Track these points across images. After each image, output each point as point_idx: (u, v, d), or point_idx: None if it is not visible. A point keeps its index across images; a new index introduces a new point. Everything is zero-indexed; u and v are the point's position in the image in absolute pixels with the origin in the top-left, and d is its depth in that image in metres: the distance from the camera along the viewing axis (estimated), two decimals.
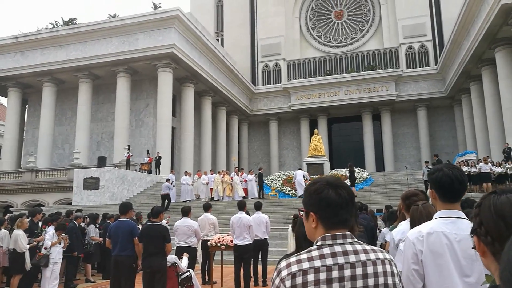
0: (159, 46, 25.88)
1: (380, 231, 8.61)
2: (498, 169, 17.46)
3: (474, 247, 1.18)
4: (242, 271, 8.27)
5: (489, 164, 17.66)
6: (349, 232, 1.51)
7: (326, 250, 1.44)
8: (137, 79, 28.53)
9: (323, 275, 1.39)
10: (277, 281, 1.43)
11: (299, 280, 1.38)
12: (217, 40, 40.58)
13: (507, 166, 17.40)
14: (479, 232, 1.10)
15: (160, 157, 24.68)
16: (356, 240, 1.52)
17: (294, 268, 1.41)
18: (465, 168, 17.73)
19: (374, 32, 39.56)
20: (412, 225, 2.69)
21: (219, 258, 9.48)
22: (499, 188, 1.17)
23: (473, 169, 17.57)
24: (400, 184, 20.47)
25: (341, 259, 1.42)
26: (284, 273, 1.41)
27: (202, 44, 29.18)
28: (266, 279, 9.29)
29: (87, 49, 27.39)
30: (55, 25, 30.17)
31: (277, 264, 1.50)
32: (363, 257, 1.46)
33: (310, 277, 1.38)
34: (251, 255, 8.57)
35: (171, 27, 25.95)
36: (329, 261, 1.41)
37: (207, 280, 9.54)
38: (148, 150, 26.26)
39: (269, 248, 9.81)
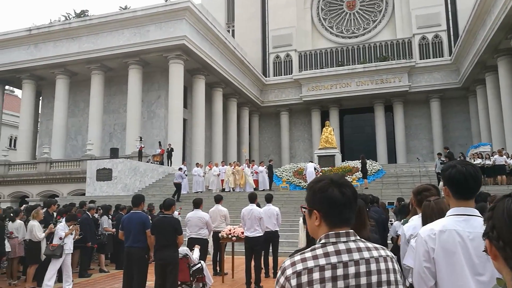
0: (170, 38, 25.90)
1: (391, 224, 8.57)
2: None
3: (485, 250, 1.17)
4: (253, 263, 8.33)
5: (504, 156, 17.37)
6: (351, 230, 1.53)
7: (330, 248, 1.46)
8: (149, 70, 28.64)
9: (328, 273, 1.40)
10: (282, 279, 1.44)
11: (304, 278, 1.40)
12: (228, 31, 40.43)
13: None
14: (491, 236, 1.08)
15: (172, 149, 24.85)
16: (358, 238, 1.54)
17: (299, 266, 1.42)
18: (479, 160, 17.50)
19: (387, 23, 38.95)
20: (424, 221, 2.66)
21: (230, 249, 9.56)
22: None
23: (488, 161, 17.32)
24: (412, 176, 20.29)
25: (345, 257, 1.44)
26: (289, 271, 1.43)
27: (213, 36, 29.11)
28: (276, 270, 9.35)
29: (99, 41, 27.56)
30: (67, 17, 30.36)
31: (282, 263, 1.51)
32: (366, 254, 1.47)
33: (316, 275, 1.40)
34: (262, 247, 8.61)
35: (182, 18, 25.92)
36: (333, 259, 1.43)
37: (218, 271, 9.63)
38: (160, 142, 26.45)
39: (280, 240, 9.85)
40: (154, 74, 29.34)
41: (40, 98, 33.76)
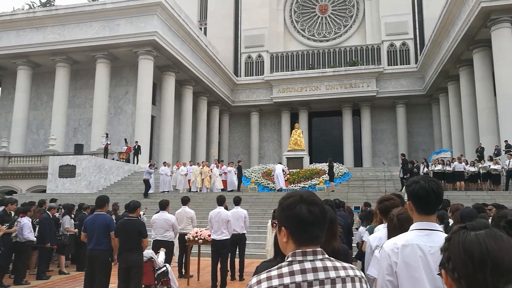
0: (140, 33, 25.37)
1: (357, 229, 8.76)
2: (472, 168, 17.95)
3: (439, 273, 1.20)
4: (219, 265, 8.28)
5: (463, 163, 18.14)
6: (319, 249, 1.53)
7: (296, 267, 1.46)
8: (117, 65, 27.92)
9: None
10: None
11: None
12: (200, 29, 40.05)
13: (480, 165, 17.92)
14: (447, 267, 1.10)
15: (139, 146, 24.35)
16: (326, 256, 1.53)
17: (264, 285, 1.42)
18: (439, 166, 18.19)
19: (358, 28, 39.83)
20: (389, 235, 2.73)
21: (196, 251, 9.46)
22: (468, 224, 1.17)
23: (448, 168, 18.03)
24: (377, 180, 20.82)
25: (310, 276, 1.44)
26: None
27: (185, 33, 28.75)
28: (243, 273, 9.34)
29: (65, 32, 26.61)
30: (32, 6, 29.13)
31: (249, 281, 1.51)
32: (332, 274, 1.47)
33: None
34: (228, 249, 8.58)
35: (154, 14, 25.44)
36: (298, 278, 1.43)
37: (183, 273, 9.52)
38: (126, 139, 25.86)
39: (247, 242, 9.86)
40: (122, 69, 28.65)
41: (0, 89, 32.20)
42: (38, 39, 26.95)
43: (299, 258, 1.48)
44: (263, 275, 1.46)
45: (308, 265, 1.46)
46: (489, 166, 17.42)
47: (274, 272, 1.45)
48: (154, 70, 26.87)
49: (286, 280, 1.42)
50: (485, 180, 17.93)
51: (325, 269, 1.47)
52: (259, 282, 1.44)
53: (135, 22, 25.70)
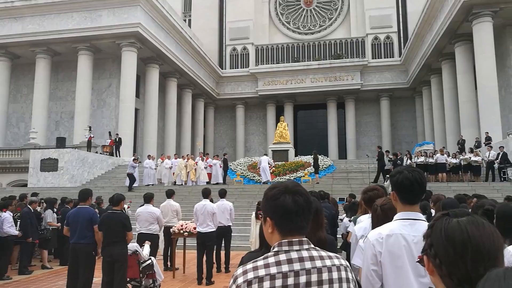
0: (123, 25, 24.92)
1: (341, 220, 8.85)
2: (453, 160, 18.32)
3: (419, 261, 1.21)
4: (204, 258, 8.28)
5: (445, 155, 18.49)
6: (305, 239, 1.53)
7: (283, 257, 1.45)
8: (100, 57, 27.40)
9: (278, 282, 1.39)
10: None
11: (255, 287, 1.39)
12: (185, 20, 39.57)
13: (461, 157, 18.30)
14: (429, 253, 1.12)
15: (119, 139, 24.04)
16: (312, 246, 1.53)
17: (250, 275, 1.41)
18: (422, 158, 18.50)
19: (342, 21, 39.94)
20: (373, 225, 2.75)
21: (182, 244, 9.43)
22: (451, 211, 1.18)
23: (430, 160, 18.34)
24: (362, 172, 21.06)
25: (296, 266, 1.43)
26: (240, 280, 1.42)
27: (169, 25, 28.37)
28: (228, 265, 9.37)
29: (45, 23, 25.95)
30: None
31: (234, 271, 1.50)
32: (318, 263, 1.47)
33: (266, 284, 1.39)
34: (214, 242, 8.59)
35: (137, 5, 25.01)
36: (285, 268, 1.42)
37: (169, 266, 9.50)
38: (110, 132, 25.49)
39: (232, 234, 9.87)
40: (105, 61, 28.14)
41: None
42: (17, 30, 26.23)
43: (285, 248, 1.48)
44: (249, 265, 1.45)
45: (294, 255, 1.46)
46: (470, 158, 17.81)
47: (260, 262, 1.44)
48: (137, 62, 26.47)
49: (273, 270, 1.41)
50: (466, 171, 18.33)
51: (311, 258, 1.47)
52: (245, 272, 1.43)
53: (118, 13, 25.22)
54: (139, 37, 25.49)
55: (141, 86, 29.41)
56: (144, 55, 27.40)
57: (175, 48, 29.29)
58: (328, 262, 1.49)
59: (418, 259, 1.23)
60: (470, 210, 3.93)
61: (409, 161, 18.62)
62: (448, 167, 18.25)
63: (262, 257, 1.48)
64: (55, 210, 10.98)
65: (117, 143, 24.02)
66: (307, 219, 1.54)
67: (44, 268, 10.04)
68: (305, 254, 1.48)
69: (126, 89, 25.66)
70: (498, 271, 0.87)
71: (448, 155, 18.73)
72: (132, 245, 6.57)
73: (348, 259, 4.48)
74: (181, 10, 42.33)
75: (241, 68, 38.99)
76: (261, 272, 1.41)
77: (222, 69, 38.89)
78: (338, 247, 7.22)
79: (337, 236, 8.65)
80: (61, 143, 22.73)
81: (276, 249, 1.49)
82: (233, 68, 39.33)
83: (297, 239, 1.50)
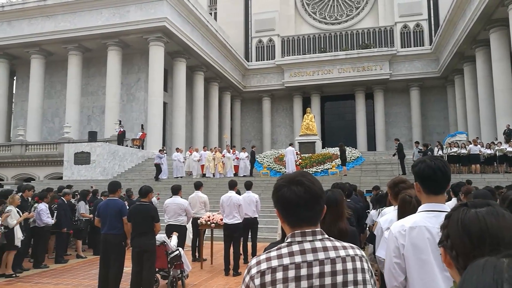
0: (150, 19, 25.29)
1: (369, 212, 8.72)
2: (488, 151, 17.64)
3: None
4: (232, 249, 8.38)
5: (479, 145, 17.82)
6: (319, 229, 1.50)
7: (296, 248, 1.44)
8: (128, 52, 27.98)
9: (291, 273, 1.39)
10: (247, 278, 1.43)
11: (268, 278, 1.39)
12: (210, 14, 39.72)
13: (496, 148, 17.58)
14: (446, 245, 1.07)
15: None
16: (326, 236, 1.51)
17: (263, 266, 1.41)
18: (455, 149, 17.91)
19: (370, 10, 38.99)
20: (400, 215, 2.70)
21: (209, 235, 9.57)
22: (469, 201, 1.14)
23: (463, 150, 17.74)
24: (391, 164, 20.61)
25: (310, 256, 1.42)
26: (253, 270, 1.42)
27: (195, 18, 28.57)
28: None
29: (76, 20, 26.69)
30: None
31: (249, 262, 1.50)
32: (332, 254, 1.45)
33: (279, 275, 1.39)
34: (240, 233, 8.67)
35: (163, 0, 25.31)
36: (298, 259, 1.41)
37: (197, 257, 9.67)
38: (142, 125, 26.07)
39: (259, 226, 9.93)
40: (134, 56, 28.70)
41: (15, 78, 32.64)
42: (50, 28, 27.11)
43: (299, 239, 1.47)
44: (263, 256, 1.45)
45: (307, 245, 1.45)
46: (506, 148, 17.09)
47: (273, 253, 1.44)
48: (165, 57, 26.85)
49: (286, 261, 1.41)
50: (501, 162, 17.61)
51: (325, 249, 1.46)
52: (258, 263, 1.43)
53: (145, 8, 25.61)
54: (166, 32, 25.82)
55: (168, 80, 29.84)
56: (171, 49, 27.75)
57: (201, 42, 29.49)
58: (342, 253, 1.47)
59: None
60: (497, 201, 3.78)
61: (440, 152, 18.08)
62: (482, 158, 17.59)
63: (275, 248, 1.47)
64: (87, 201, 11.37)
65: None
66: (311, 209, 1.49)
67: (78, 258, 10.45)
68: (318, 244, 1.46)
69: (154, 83, 26.12)
70: (479, 262, 0.84)
71: (482, 146, 18.04)
72: (160, 236, 6.73)
73: (374, 251, 4.41)
74: (207, 3, 42.51)
75: (267, 60, 38.84)
76: (274, 263, 1.41)
77: (248, 61, 38.86)
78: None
79: (365, 230, 8.54)
80: (93, 137, 23.43)
81: (289, 239, 1.48)
82: (259, 61, 39.23)
83: (310, 230, 1.48)
